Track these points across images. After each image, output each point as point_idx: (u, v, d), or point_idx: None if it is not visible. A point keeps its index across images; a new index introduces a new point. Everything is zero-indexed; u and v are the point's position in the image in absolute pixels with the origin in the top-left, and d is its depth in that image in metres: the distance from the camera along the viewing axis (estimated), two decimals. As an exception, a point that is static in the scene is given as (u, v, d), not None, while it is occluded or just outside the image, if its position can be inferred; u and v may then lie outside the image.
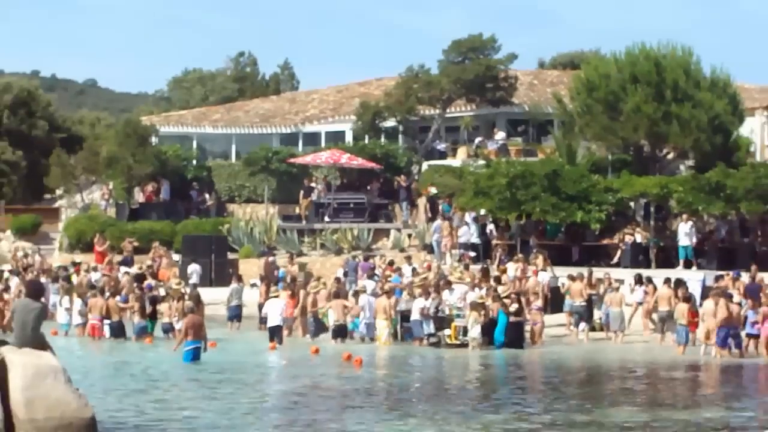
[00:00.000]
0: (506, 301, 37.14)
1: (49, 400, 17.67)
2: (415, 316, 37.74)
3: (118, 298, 41.11)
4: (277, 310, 38.36)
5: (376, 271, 44.65)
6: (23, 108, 78.33)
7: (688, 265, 43.27)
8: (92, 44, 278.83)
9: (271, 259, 49.38)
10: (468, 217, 48.32)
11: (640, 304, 39.00)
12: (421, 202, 53.98)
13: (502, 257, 44.99)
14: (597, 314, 39.22)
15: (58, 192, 67.40)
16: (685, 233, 44.26)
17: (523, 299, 37.77)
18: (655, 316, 38.58)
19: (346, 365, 32.11)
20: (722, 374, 33.47)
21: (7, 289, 42.58)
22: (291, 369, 33.26)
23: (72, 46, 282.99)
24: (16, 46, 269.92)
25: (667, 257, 44.77)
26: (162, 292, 42.23)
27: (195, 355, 32.71)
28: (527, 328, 37.58)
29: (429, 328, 37.49)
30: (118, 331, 39.40)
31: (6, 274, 47.05)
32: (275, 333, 37.51)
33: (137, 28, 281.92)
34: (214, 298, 44.93)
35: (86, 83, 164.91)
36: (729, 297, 35.49)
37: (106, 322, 39.70)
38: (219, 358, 33.79)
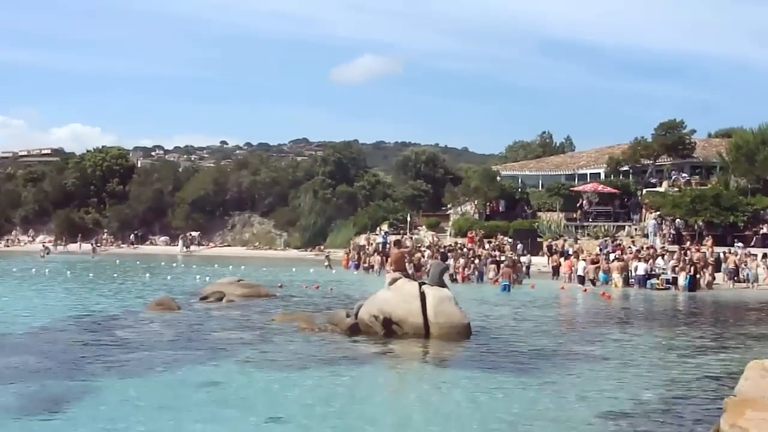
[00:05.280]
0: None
1: (446, 312, 19.15)
2: (640, 272, 38.42)
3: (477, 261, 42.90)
4: (580, 268, 40.60)
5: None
6: (431, 163, 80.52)
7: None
8: (467, 124, 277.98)
9: (557, 242, 49.59)
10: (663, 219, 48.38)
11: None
12: (643, 210, 53.62)
13: (688, 242, 44.43)
14: (741, 273, 39.17)
15: (449, 205, 68.06)
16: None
17: (698, 265, 38.22)
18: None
19: (602, 298, 32.93)
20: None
21: (423, 255, 44.24)
22: (573, 298, 34.41)
23: (456, 125, 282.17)
24: (426, 126, 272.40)
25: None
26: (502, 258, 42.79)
27: (506, 289, 35.32)
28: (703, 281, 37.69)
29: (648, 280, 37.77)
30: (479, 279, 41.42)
31: (424, 248, 48.78)
32: (581, 281, 39.44)
33: (493, 111, 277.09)
34: (534, 261, 47.28)
35: (463, 149, 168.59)
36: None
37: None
38: (530, 292, 35.52)
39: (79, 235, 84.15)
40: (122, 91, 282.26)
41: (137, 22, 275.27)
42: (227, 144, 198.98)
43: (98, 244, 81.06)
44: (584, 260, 41.91)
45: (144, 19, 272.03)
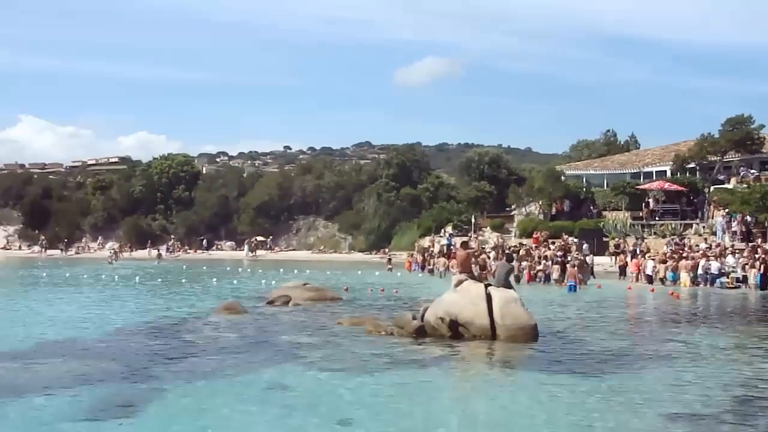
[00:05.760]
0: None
1: (513, 314, 19.07)
2: (713, 270, 37.91)
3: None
4: (648, 267, 40.31)
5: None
6: (494, 164, 79.47)
7: None
8: (530, 124, 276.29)
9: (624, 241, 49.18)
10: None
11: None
12: (711, 208, 52.19)
13: (759, 239, 43.70)
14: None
15: (513, 206, 67.46)
16: None
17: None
18: None
19: (670, 297, 32.76)
20: None
21: (488, 256, 43.37)
22: (640, 298, 34.38)
23: (518, 125, 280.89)
24: (489, 127, 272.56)
25: None
26: (569, 259, 41.99)
27: (572, 289, 35.53)
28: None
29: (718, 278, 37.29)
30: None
31: (488, 249, 48.72)
32: (650, 280, 39.22)
33: (556, 110, 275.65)
34: (597, 261, 46.45)
35: (526, 149, 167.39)
36: None
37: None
38: (597, 292, 35.39)
39: (149, 241, 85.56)
40: (187, 99, 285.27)
41: (201, 31, 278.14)
42: (291, 149, 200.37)
43: (169, 251, 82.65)
44: (653, 259, 41.53)
45: (208, 27, 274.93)
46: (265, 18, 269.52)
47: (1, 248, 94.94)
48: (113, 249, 77.70)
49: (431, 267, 49.63)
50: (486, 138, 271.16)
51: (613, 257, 48.39)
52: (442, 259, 48.19)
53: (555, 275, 40.62)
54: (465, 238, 39.12)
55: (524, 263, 42.15)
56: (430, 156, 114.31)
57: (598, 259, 47.50)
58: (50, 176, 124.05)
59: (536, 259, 43.79)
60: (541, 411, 12.34)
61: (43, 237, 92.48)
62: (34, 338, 19.81)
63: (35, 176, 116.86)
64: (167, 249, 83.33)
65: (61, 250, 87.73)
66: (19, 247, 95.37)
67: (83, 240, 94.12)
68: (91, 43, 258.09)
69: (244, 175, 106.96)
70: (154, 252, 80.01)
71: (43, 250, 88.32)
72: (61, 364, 16.04)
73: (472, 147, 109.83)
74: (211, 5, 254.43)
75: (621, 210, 56.71)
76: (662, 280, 39.19)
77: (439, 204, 76.10)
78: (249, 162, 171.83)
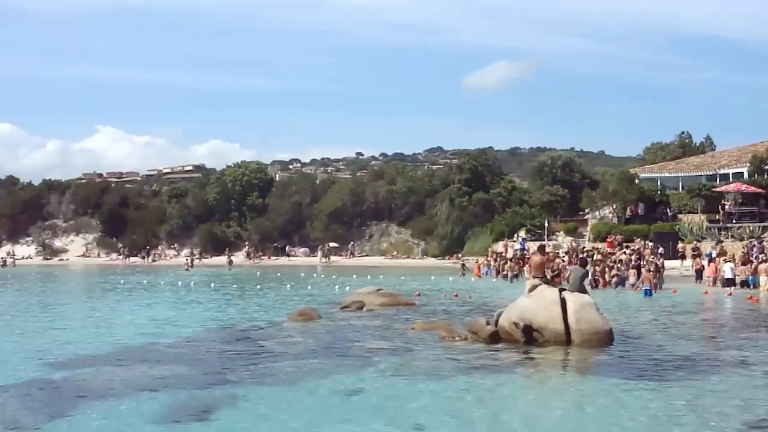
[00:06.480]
0: None
1: (587, 318, 18.95)
2: None
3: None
4: (727, 271, 39.24)
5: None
6: (567, 167, 78.65)
7: None
8: (603, 127, 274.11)
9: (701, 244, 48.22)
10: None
11: None
12: None
13: None
14: None
15: (586, 210, 67.37)
16: None
17: None
18: None
19: (749, 301, 31.86)
20: None
21: (562, 261, 42.52)
22: (718, 302, 33.62)
23: (591, 128, 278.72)
24: (561, 130, 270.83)
25: None
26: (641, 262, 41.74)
27: (648, 294, 34.86)
28: None
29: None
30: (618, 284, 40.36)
31: (562, 254, 48.78)
32: (729, 284, 38.06)
33: (629, 112, 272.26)
34: (671, 265, 46.13)
35: (599, 152, 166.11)
36: None
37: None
38: (672, 296, 34.68)
39: (227, 248, 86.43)
40: (259, 107, 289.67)
41: (272, 40, 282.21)
42: (363, 155, 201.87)
43: (251, 257, 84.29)
44: (730, 262, 40.85)
45: (279, 36, 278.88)
46: (338, 26, 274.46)
47: (80, 256, 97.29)
48: (189, 256, 78.73)
49: (505, 272, 49.54)
50: (558, 141, 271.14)
51: (686, 260, 47.88)
52: (515, 264, 48.48)
53: (631, 279, 40.12)
54: (541, 243, 38.95)
55: (600, 266, 41.92)
56: (502, 160, 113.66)
57: (670, 263, 46.89)
58: (127, 185, 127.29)
59: (611, 263, 43.42)
60: (616, 417, 12.19)
61: (121, 245, 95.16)
62: (112, 343, 20.25)
63: (112, 185, 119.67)
64: (247, 255, 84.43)
65: (143, 257, 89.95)
66: (98, 255, 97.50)
67: (159, 248, 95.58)
68: (163, 54, 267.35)
69: (317, 181, 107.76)
70: (237, 258, 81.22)
71: (125, 257, 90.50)
72: (139, 368, 16.36)
73: (545, 151, 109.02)
74: (284, 14, 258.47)
75: (697, 213, 56.35)
76: (741, 284, 38.40)
77: (512, 209, 76.20)
78: (321, 168, 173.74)
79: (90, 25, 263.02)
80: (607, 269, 42.10)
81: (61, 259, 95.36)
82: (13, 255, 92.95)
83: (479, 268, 54.67)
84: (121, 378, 15.26)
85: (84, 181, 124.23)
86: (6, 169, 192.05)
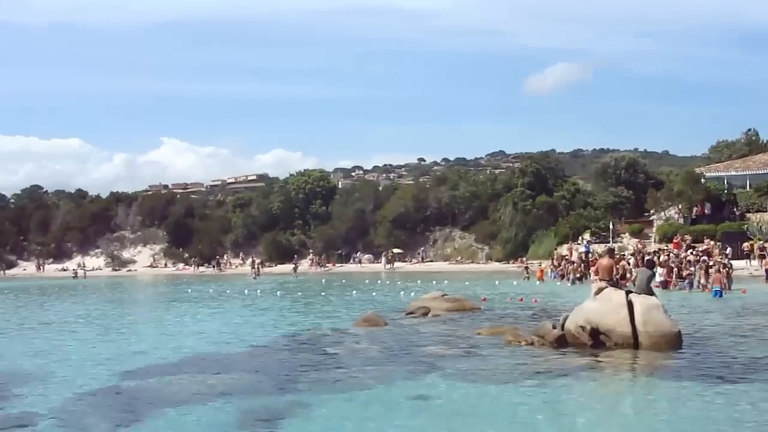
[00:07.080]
0: None
1: (655, 321, 18.70)
2: None
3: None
4: None
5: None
6: (631, 168, 78.12)
7: None
8: (666, 127, 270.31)
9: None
10: None
11: None
12: None
13: None
14: None
15: (652, 211, 67.12)
16: None
17: None
18: None
19: None
20: None
21: (627, 263, 39.55)
22: None
23: (654, 128, 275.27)
24: (624, 131, 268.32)
25: None
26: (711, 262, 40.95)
27: (717, 295, 34.44)
28: None
29: None
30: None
31: (628, 256, 47.07)
32: None
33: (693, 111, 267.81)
34: (738, 265, 45.04)
35: (663, 152, 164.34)
36: None
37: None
38: (742, 297, 34.20)
39: (295, 256, 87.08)
40: (321, 115, 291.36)
41: (333, 49, 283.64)
42: (425, 161, 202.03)
43: (320, 264, 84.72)
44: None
45: (340, 45, 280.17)
46: (397, 33, 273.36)
47: (148, 266, 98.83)
48: (255, 265, 79.46)
49: (572, 276, 49.28)
50: (621, 142, 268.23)
51: (753, 260, 47.75)
52: (574, 267, 48.83)
53: (701, 280, 39.57)
54: (609, 246, 38.56)
55: (667, 267, 41.25)
56: (565, 163, 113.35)
57: (737, 263, 46.24)
58: (192, 195, 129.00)
59: (679, 264, 42.78)
60: (686, 422, 12.10)
61: (187, 254, 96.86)
62: (181, 352, 20.51)
63: (178, 196, 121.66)
64: (316, 263, 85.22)
65: (213, 266, 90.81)
66: (165, 265, 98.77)
67: (225, 257, 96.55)
68: (226, 65, 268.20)
69: (380, 188, 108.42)
70: (303, 265, 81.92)
71: (195, 267, 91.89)
72: (208, 377, 16.54)
73: (608, 152, 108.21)
74: (344, 22, 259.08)
75: (766, 212, 56.02)
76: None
77: (576, 211, 75.86)
78: (384, 175, 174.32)
79: (154, 38, 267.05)
80: (675, 270, 41.43)
81: (130, 270, 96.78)
82: (84, 267, 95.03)
83: (542, 272, 54.26)
84: (191, 386, 15.45)
85: (150, 192, 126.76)
86: (75, 183, 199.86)
